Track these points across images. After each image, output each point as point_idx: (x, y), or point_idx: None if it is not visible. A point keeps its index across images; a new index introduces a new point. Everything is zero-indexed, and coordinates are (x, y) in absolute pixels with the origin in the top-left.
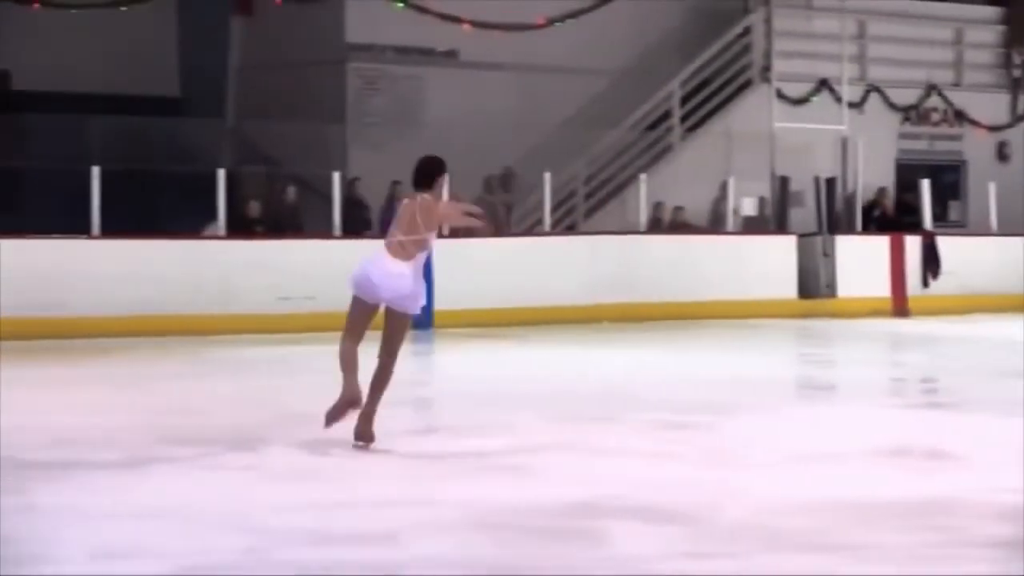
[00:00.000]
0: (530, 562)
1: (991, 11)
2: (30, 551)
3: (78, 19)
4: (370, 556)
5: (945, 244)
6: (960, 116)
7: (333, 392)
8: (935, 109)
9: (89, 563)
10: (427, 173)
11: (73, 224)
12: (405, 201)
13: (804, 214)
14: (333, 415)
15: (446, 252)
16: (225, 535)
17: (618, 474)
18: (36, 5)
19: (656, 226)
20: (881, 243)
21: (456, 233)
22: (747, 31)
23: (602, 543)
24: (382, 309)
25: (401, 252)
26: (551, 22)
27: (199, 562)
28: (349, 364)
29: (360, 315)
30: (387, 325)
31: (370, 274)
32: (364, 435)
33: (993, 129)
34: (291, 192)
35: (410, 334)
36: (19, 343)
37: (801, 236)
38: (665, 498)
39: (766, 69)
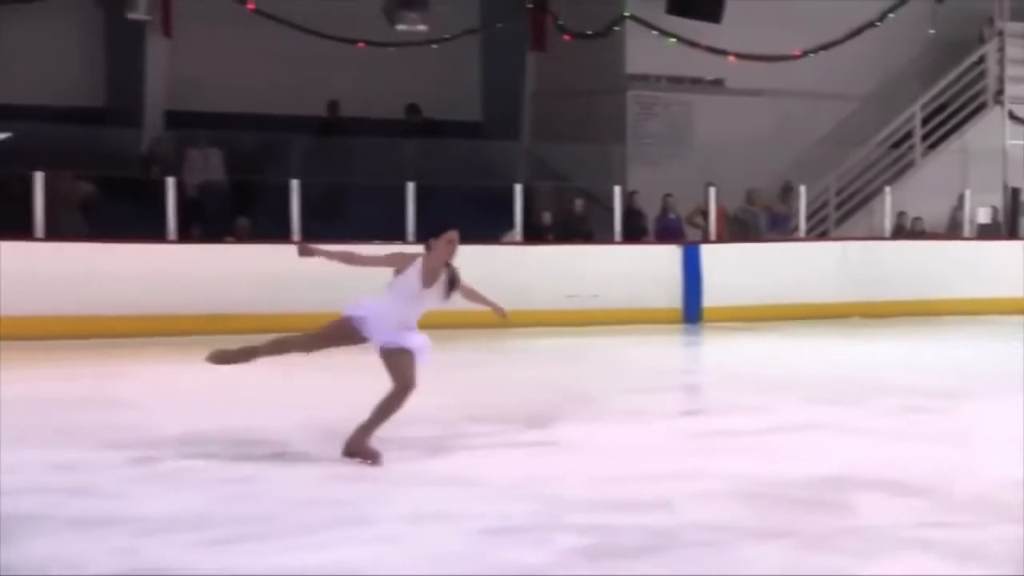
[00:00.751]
0: (785, 528)
1: None
2: (358, 512)
3: (395, 56)
4: (647, 521)
5: None
6: None
7: (614, 377)
8: None
9: (402, 524)
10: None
11: (390, 232)
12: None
13: None
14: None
15: (715, 255)
16: (519, 501)
17: (865, 451)
18: (361, 45)
19: (899, 233)
20: None
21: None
22: (982, 59)
23: (850, 513)
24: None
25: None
26: (806, 53)
27: (496, 525)
28: (274, 347)
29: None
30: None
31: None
32: (353, 450)
33: None
34: (579, 204)
35: (680, 327)
36: None
37: None
38: (906, 473)
39: (999, 93)
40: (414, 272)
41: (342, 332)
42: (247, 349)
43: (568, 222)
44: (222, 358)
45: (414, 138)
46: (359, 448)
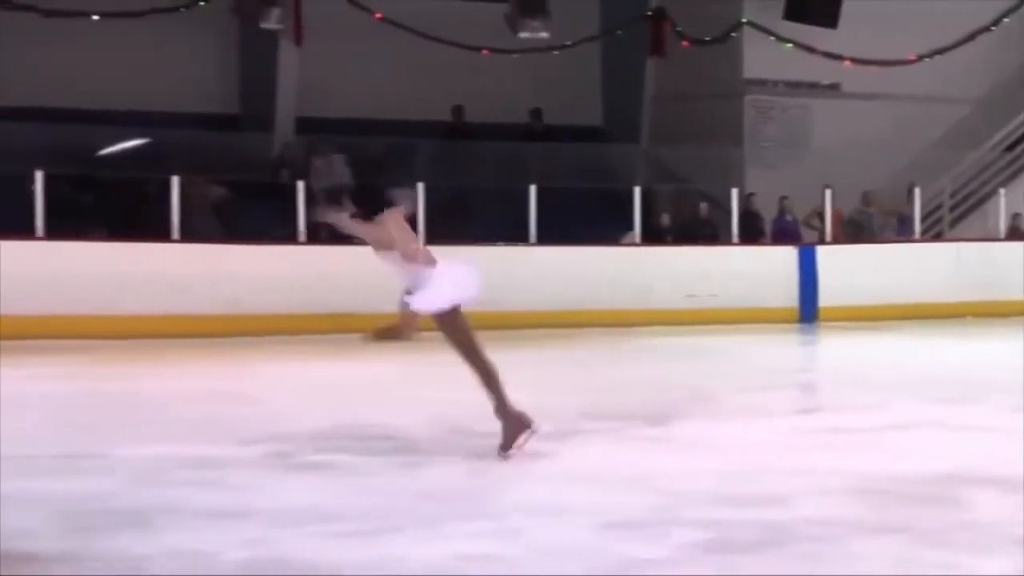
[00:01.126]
0: (899, 524)
1: None
2: (481, 506)
3: (518, 62)
4: (763, 516)
5: None
6: None
7: (732, 376)
8: None
9: (522, 517)
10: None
11: (512, 235)
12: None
13: None
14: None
15: (830, 256)
16: (638, 495)
17: (979, 449)
18: (485, 52)
19: (1013, 235)
20: None
21: None
22: None
23: (964, 509)
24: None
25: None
26: (921, 57)
27: (614, 519)
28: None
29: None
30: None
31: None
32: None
33: None
34: (704, 208)
35: (796, 326)
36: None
37: None
38: (1021, 470)
39: None
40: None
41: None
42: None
43: (692, 225)
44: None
45: (536, 142)
46: (511, 427)
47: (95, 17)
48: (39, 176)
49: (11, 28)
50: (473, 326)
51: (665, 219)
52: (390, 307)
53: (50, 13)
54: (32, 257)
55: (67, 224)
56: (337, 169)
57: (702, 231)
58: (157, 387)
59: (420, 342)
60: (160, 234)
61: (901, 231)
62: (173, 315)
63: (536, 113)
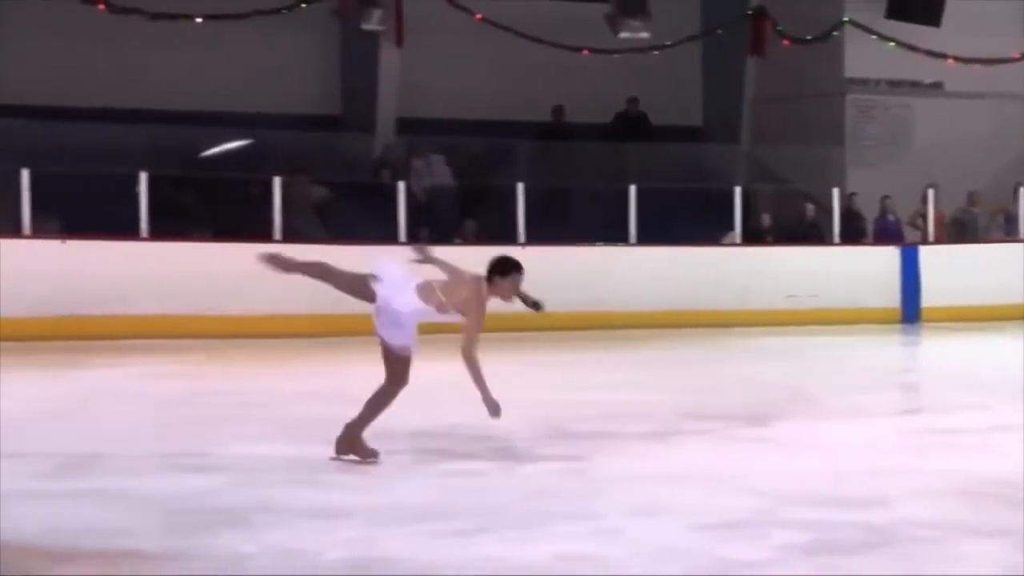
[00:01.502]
0: (1004, 527)
1: None
2: (581, 506)
3: (618, 62)
4: (865, 517)
5: None
6: None
7: (833, 376)
8: None
9: (623, 518)
10: (497, 270)
11: (611, 235)
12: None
13: None
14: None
15: (933, 256)
16: (738, 496)
17: None
18: (585, 52)
19: None
20: None
21: None
22: None
23: None
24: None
25: (427, 297)
26: None
27: (715, 520)
28: (317, 272)
29: (350, 284)
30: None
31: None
32: (346, 448)
33: None
34: (810, 209)
35: (898, 327)
36: (570, 332)
37: None
38: None
39: None
40: (471, 297)
41: (359, 289)
42: (296, 263)
43: (797, 226)
44: (276, 262)
45: (635, 140)
46: (351, 446)
47: (199, 19)
48: (143, 177)
49: (117, 31)
50: (571, 327)
51: (766, 219)
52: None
53: (155, 16)
54: (137, 257)
55: (171, 225)
56: (436, 170)
57: (808, 233)
58: (259, 387)
59: (521, 343)
60: (262, 234)
61: (1008, 231)
62: (276, 315)
63: (633, 100)
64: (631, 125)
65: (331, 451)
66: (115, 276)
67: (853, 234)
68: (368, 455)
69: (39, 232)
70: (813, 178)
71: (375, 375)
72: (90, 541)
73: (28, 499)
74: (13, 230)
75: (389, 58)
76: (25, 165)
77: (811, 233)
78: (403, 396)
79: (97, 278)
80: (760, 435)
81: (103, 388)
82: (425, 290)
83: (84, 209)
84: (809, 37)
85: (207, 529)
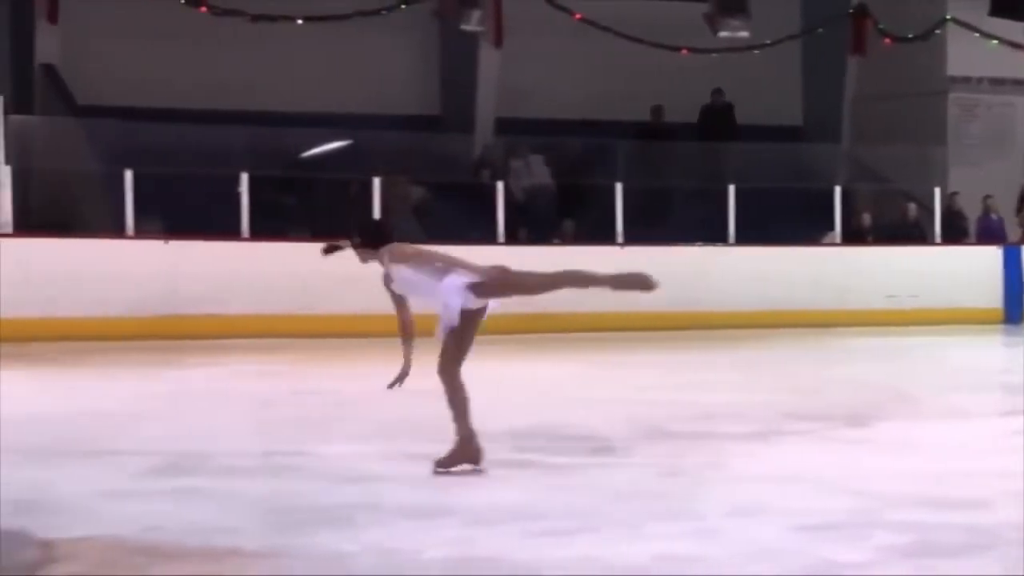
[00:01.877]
0: None
1: None
2: (680, 506)
3: (717, 61)
4: (967, 520)
5: None
6: None
7: (933, 377)
8: None
9: (722, 518)
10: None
11: (710, 235)
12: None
13: None
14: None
15: None
16: (839, 498)
17: None
18: (684, 51)
19: None
20: None
21: None
22: None
23: None
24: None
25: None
26: None
27: (814, 521)
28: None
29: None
30: None
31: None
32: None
33: None
34: (912, 209)
35: (1000, 327)
36: (668, 332)
37: None
38: None
39: None
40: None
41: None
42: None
43: (899, 226)
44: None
45: (724, 136)
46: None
47: (299, 21)
48: (244, 178)
49: (219, 33)
50: (668, 327)
51: (866, 219)
52: (591, 306)
53: (256, 18)
54: (237, 257)
55: (270, 225)
56: (535, 170)
57: (910, 232)
58: (357, 386)
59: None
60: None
61: None
62: (372, 315)
63: (718, 91)
64: (718, 116)
65: (431, 449)
66: (215, 276)
67: (955, 234)
68: (474, 459)
69: (142, 233)
70: (914, 177)
71: (473, 374)
72: (192, 540)
73: (130, 498)
74: (116, 231)
75: (488, 58)
76: (128, 166)
77: (913, 233)
78: (503, 394)
79: (198, 278)
80: (860, 436)
81: (202, 387)
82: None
83: (186, 210)
84: (911, 35)
85: (307, 528)
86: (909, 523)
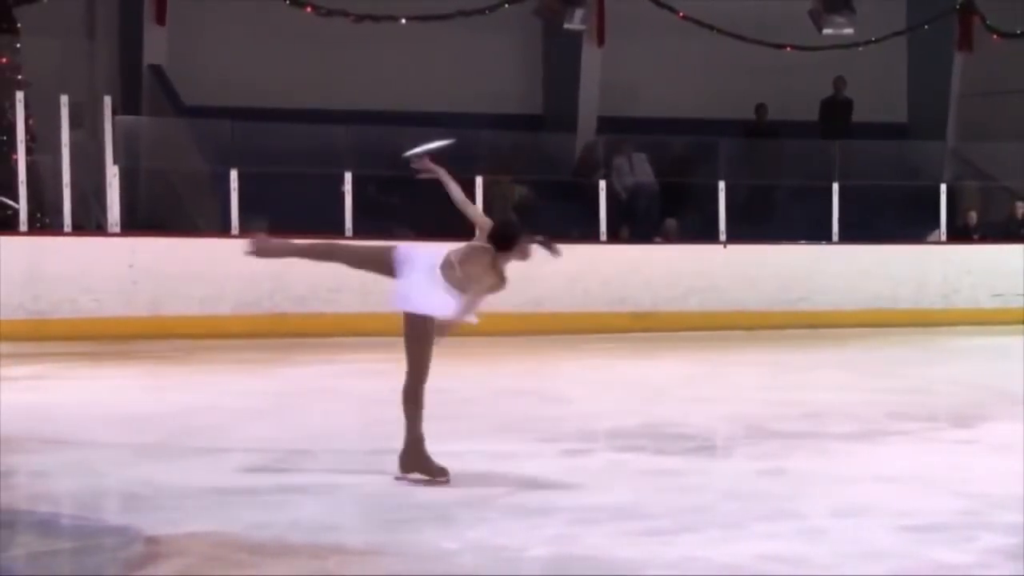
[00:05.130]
0: None
1: None
2: (784, 506)
3: (821, 59)
4: None
5: None
6: None
7: None
8: None
9: (827, 518)
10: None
11: (814, 233)
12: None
13: None
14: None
15: None
16: (947, 498)
17: None
18: (788, 49)
19: None
20: None
21: None
22: None
23: None
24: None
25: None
26: None
27: (920, 522)
28: (320, 253)
29: (365, 258)
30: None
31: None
32: (410, 468)
33: None
34: (1020, 207)
35: None
36: (771, 331)
37: None
38: None
39: None
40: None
41: (382, 262)
42: (291, 247)
43: (1008, 224)
44: (258, 247)
45: (841, 132)
46: (417, 464)
47: (403, 21)
48: (348, 177)
49: (323, 33)
50: (778, 326)
51: (972, 217)
52: (693, 304)
53: (360, 18)
54: None
55: (374, 224)
56: (638, 168)
57: (1017, 231)
58: (465, 384)
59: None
60: (464, 233)
61: None
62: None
63: (840, 80)
64: (839, 110)
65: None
66: (321, 274)
67: None
68: (433, 473)
69: (247, 231)
70: (1021, 175)
71: (579, 373)
72: (297, 536)
73: (237, 494)
74: (222, 230)
75: (590, 57)
76: (233, 166)
77: (1020, 231)
78: (608, 393)
79: (304, 276)
80: (966, 436)
81: (309, 386)
82: (447, 271)
83: (290, 208)
84: (1019, 31)
85: (410, 525)
86: (1016, 525)
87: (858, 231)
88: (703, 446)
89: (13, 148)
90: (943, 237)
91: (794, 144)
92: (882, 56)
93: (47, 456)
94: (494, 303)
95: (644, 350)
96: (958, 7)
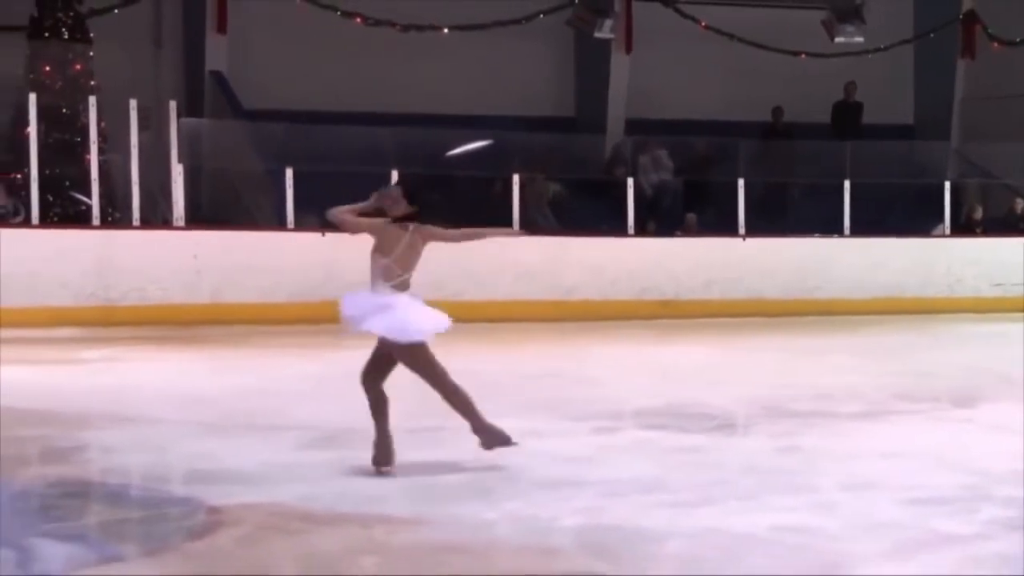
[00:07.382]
0: None
1: None
2: (797, 480)
3: (833, 64)
4: None
5: None
6: None
7: None
8: None
9: (837, 492)
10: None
11: (827, 229)
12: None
13: None
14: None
15: None
16: (948, 474)
17: None
18: (802, 56)
19: None
20: None
21: None
22: None
23: None
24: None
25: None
26: None
27: (925, 495)
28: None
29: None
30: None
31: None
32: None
33: None
34: (1019, 203)
35: None
36: (786, 318)
37: None
38: None
39: None
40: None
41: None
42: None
43: (1007, 220)
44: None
45: (850, 134)
46: (492, 438)
47: (445, 30)
48: (394, 175)
49: (371, 41)
50: (791, 313)
51: (979, 212)
52: (716, 293)
53: (406, 27)
54: None
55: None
56: (660, 162)
57: (1017, 225)
58: (502, 368)
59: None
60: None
61: None
62: (516, 300)
63: (851, 84)
64: (849, 113)
65: (569, 427)
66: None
67: None
68: (504, 440)
69: (301, 226)
70: (1021, 173)
71: (609, 357)
72: (345, 506)
73: (289, 468)
74: (278, 224)
75: (619, 64)
76: (289, 165)
77: (1020, 225)
78: (637, 377)
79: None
80: (967, 416)
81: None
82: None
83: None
84: (1019, 39)
85: (451, 497)
86: (1015, 498)
87: (868, 225)
88: (723, 425)
89: (86, 149)
90: (947, 231)
91: (808, 144)
92: (890, 62)
93: (117, 432)
94: (527, 293)
95: (668, 336)
96: (962, 17)
